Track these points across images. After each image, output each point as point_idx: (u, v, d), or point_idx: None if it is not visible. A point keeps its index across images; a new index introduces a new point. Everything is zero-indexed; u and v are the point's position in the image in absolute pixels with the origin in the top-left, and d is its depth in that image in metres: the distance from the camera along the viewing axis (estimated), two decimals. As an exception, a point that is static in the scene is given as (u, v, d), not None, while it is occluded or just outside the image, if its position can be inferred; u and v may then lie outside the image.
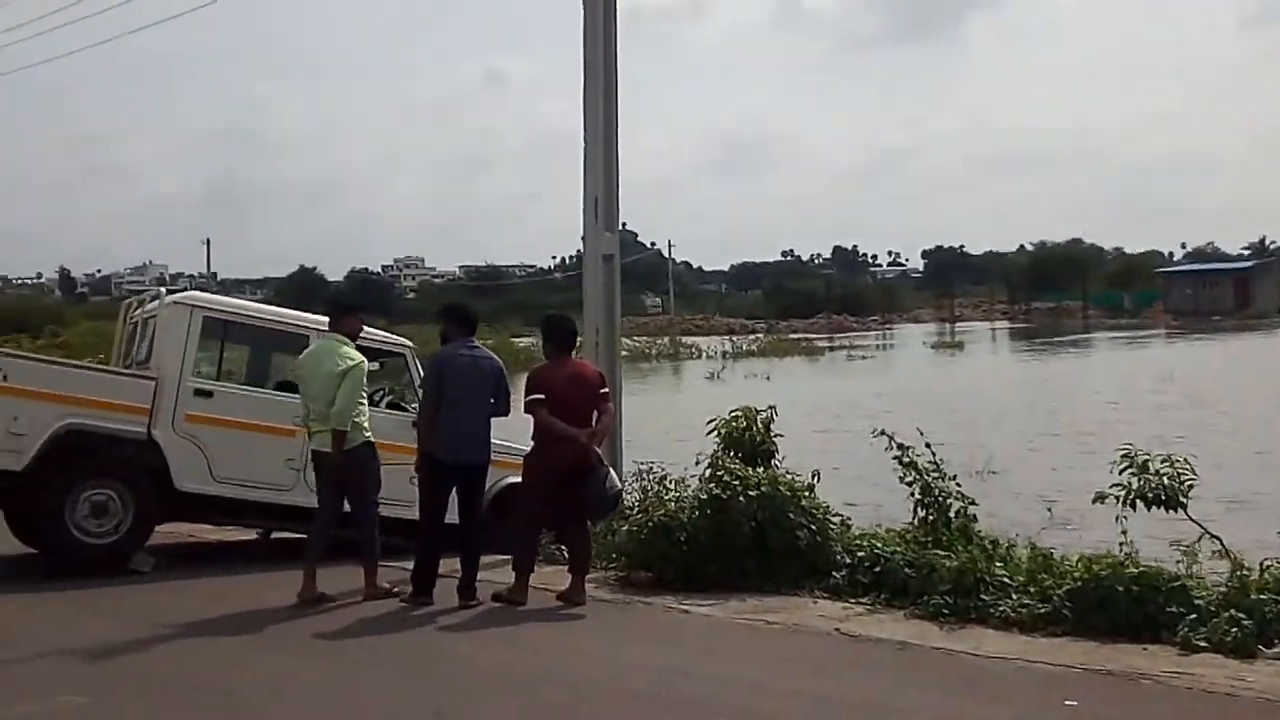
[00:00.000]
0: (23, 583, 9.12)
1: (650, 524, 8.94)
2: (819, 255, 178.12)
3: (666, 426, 20.46)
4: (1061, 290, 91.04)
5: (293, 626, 7.75)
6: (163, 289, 10.14)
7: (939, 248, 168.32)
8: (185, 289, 10.38)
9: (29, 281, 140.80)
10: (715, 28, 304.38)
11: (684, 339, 61.94)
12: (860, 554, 8.73)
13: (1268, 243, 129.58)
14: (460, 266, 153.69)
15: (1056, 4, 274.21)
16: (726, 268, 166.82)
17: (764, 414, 9.95)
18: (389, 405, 10.76)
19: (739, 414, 9.92)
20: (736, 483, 8.77)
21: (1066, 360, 47.05)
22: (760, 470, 9.16)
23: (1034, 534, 9.03)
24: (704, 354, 52.66)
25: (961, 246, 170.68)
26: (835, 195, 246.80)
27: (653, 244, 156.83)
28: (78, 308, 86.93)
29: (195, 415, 9.72)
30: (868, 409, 25.13)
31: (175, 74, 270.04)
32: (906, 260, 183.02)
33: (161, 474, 9.61)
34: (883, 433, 8.76)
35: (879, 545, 8.76)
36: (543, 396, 8.39)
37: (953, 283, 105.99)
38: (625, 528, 9.37)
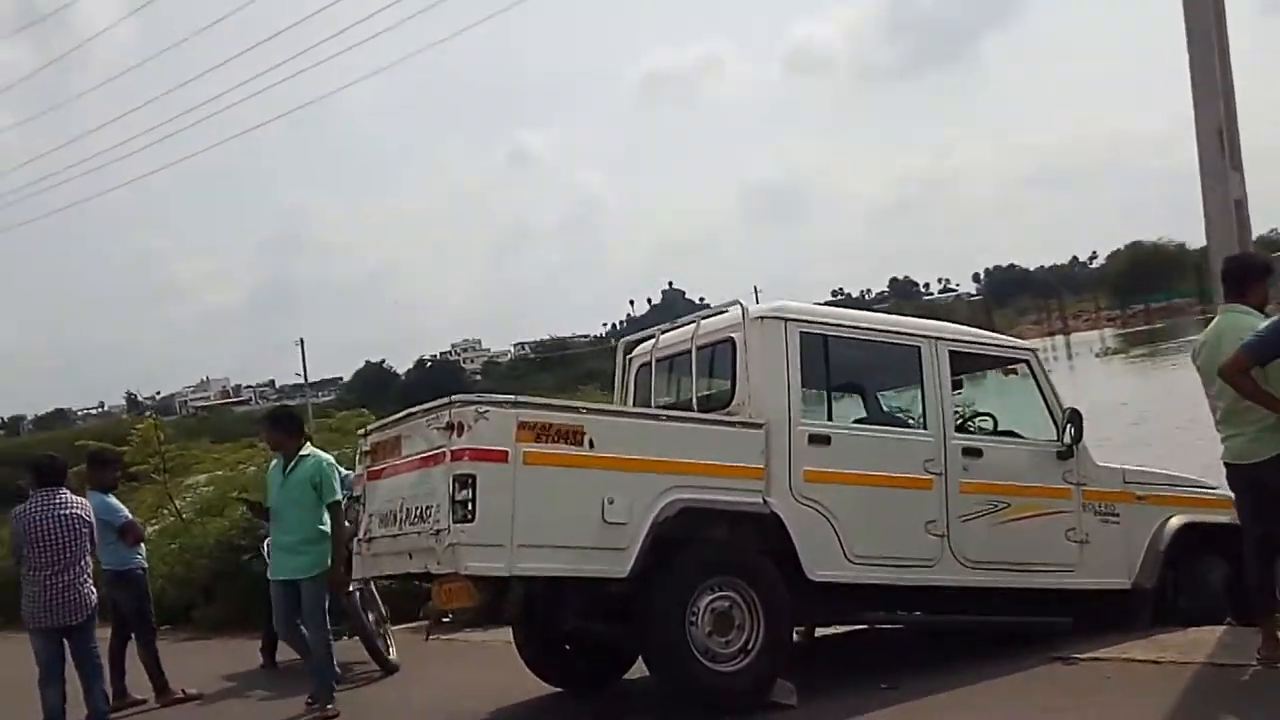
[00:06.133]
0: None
1: None
2: (868, 290, 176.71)
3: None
4: (1161, 291, 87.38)
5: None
6: (741, 302, 7.16)
7: (997, 267, 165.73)
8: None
9: (93, 411, 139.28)
10: (731, 82, 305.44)
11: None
12: None
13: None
14: (514, 344, 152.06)
15: (1067, 19, 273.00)
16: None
17: None
18: (996, 431, 7.87)
19: None
20: None
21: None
22: None
23: None
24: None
25: (1012, 265, 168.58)
26: (874, 230, 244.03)
27: (701, 299, 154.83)
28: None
29: (815, 472, 6.83)
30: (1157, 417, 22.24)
31: (218, 190, 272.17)
32: (958, 285, 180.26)
33: (786, 560, 6.71)
34: None
35: None
36: None
37: (1011, 300, 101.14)
38: None
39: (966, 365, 7.77)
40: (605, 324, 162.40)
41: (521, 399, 6.32)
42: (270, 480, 8.19)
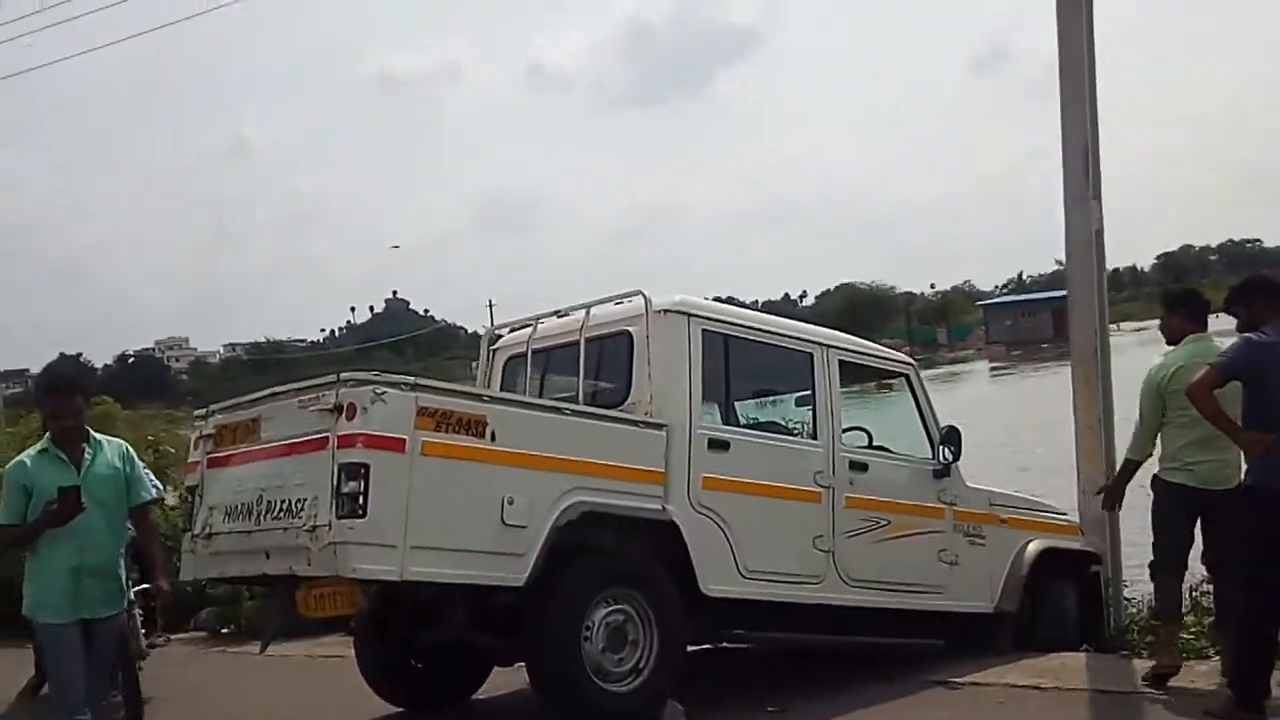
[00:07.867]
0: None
1: None
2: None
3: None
4: (873, 330, 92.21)
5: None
6: (644, 292, 6.54)
7: (718, 298, 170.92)
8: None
9: None
10: (468, 91, 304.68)
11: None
12: None
13: (1024, 277, 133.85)
14: (225, 344, 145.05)
15: (795, 66, 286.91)
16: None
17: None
18: (871, 446, 7.64)
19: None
20: None
21: (969, 388, 46.63)
22: None
23: None
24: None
25: (731, 298, 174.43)
26: (602, 252, 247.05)
27: (426, 311, 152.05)
28: None
29: (713, 479, 6.38)
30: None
31: None
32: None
33: (677, 572, 6.22)
34: None
35: None
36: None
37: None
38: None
39: (852, 376, 7.51)
40: (324, 329, 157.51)
41: (421, 381, 5.56)
42: (40, 479, 5.19)
